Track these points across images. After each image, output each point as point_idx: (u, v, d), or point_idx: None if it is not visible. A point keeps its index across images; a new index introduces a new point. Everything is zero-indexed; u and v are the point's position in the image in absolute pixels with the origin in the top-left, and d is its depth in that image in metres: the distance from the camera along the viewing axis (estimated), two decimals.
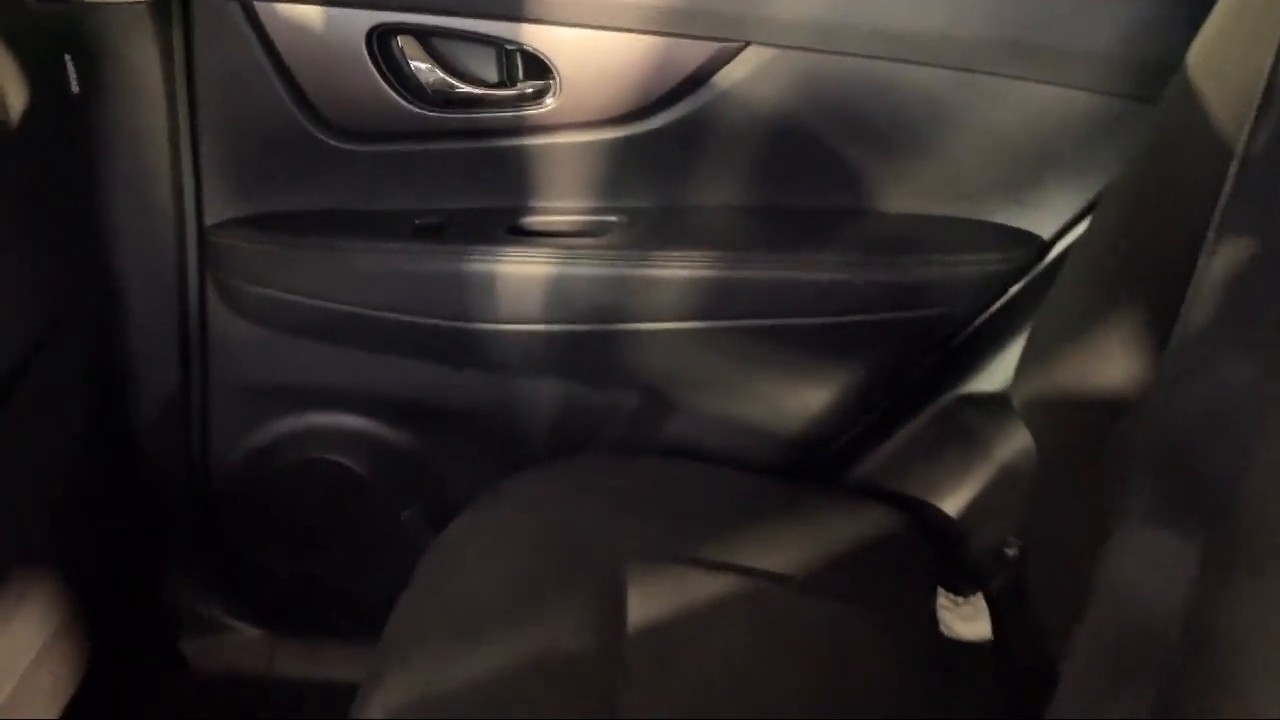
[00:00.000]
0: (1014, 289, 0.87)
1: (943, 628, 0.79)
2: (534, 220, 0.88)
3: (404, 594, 0.78)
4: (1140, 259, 0.67)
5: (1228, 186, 0.54)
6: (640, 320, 0.87)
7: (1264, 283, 0.51)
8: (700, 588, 0.76)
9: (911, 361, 0.91)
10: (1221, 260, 0.53)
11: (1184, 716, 0.51)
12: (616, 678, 0.69)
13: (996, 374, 0.89)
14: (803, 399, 0.92)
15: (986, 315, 0.88)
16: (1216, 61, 0.64)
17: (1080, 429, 0.70)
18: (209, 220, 0.87)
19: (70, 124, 0.79)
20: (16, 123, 0.69)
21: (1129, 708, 0.50)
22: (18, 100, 0.69)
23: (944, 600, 0.81)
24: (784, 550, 0.80)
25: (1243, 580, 0.55)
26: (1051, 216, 0.84)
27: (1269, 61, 0.53)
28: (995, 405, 0.88)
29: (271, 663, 1.07)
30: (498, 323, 0.88)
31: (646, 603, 0.74)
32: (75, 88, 0.77)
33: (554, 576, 0.76)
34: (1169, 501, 0.53)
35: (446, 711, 0.67)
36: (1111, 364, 0.67)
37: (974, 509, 0.89)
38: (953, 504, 0.90)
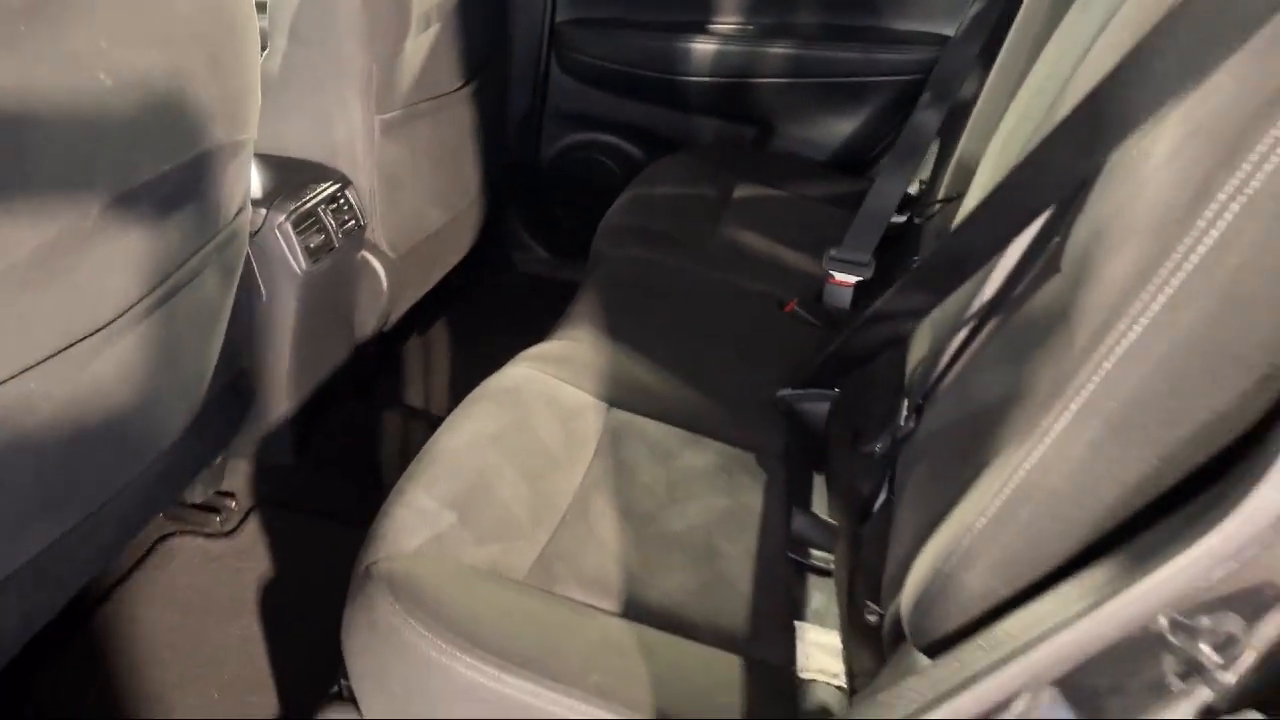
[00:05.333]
0: None
1: None
2: (713, 25, 1.78)
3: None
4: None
5: None
6: (757, 77, 1.76)
7: None
8: (765, 194, 1.63)
9: (891, 112, 1.74)
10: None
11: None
12: (718, 212, 1.57)
13: None
14: (840, 127, 1.78)
15: None
16: None
17: None
18: (558, 19, 1.82)
19: None
20: None
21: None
22: None
23: None
24: (819, 189, 1.66)
25: None
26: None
27: None
28: None
29: (556, 270, 2.02)
30: (690, 76, 1.78)
31: (740, 192, 1.62)
32: None
33: (697, 179, 1.65)
34: None
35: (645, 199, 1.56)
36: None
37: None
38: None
